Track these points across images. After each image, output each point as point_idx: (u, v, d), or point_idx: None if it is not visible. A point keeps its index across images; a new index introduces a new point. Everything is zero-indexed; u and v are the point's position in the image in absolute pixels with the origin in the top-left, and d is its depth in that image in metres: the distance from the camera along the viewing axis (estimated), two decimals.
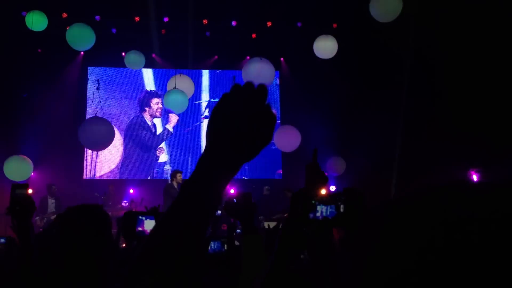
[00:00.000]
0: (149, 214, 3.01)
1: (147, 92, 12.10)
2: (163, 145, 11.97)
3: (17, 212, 2.18)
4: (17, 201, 2.21)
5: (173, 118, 11.92)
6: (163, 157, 11.93)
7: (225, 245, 3.20)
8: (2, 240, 3.77)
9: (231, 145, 0.78)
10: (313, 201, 1.74)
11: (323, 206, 1.72)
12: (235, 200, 2.33)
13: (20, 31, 9.88)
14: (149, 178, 11.78)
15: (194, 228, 0.77)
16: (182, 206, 0.78)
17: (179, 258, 0.75)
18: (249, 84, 0.80)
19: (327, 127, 11.29)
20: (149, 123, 11.95)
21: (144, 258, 0.75)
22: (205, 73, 12.41)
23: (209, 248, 3.16)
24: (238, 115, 0.79)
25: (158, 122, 12.05)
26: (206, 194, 0.77)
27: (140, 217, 2.97)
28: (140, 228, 2.94)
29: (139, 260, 0.75)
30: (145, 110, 11.99)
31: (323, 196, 1.84)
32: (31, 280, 2.02)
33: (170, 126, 11.97)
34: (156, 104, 12.00)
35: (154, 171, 11.86)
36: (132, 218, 3.03)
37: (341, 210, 1.71)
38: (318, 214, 1.72)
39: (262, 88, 0.81)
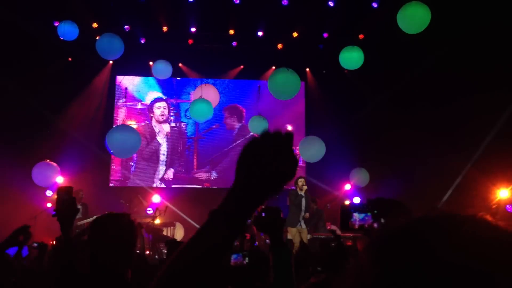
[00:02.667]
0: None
1: (155, 99, 12.16)
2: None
3: (61, 214, 2.26)
4: (62, 203, 2.28)
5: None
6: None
7: (246, 258, 3.22)
8: (35, 245, 3.86)
9: (258, 182, 0.88)
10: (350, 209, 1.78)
11: (358, 214, 1.76)
12: (263, 214, 2.33)
13: (52, 40, 10.16)
14: (154, 185, 11.74)
15: (217, 252, 0.88)
16: (209, 233, 0.89)
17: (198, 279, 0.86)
18: (278, 131, 0.90)
19: (352, 138, 11.21)
20: (156, 130, 11.99)
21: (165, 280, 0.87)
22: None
23: (231, 260, 3.17)
24: (266, 157, 0.88)
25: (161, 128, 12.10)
26: (234, 222, 0.88)
27: None
28: None
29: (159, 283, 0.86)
30: (151, 117, 12.07)
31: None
32: (69, 279, 2.09)
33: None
34: (158, 108, 12.05)
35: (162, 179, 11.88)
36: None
37: (382, 221, 1.73)
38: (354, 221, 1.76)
39: (289, 135, 0.90)
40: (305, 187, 8.86)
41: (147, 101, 12.11)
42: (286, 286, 2.06)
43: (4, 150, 10.01)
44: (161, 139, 11.96)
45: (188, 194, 11.50)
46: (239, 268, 3.19)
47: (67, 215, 2.28)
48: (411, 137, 10.44)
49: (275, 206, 2.36)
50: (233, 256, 3.21)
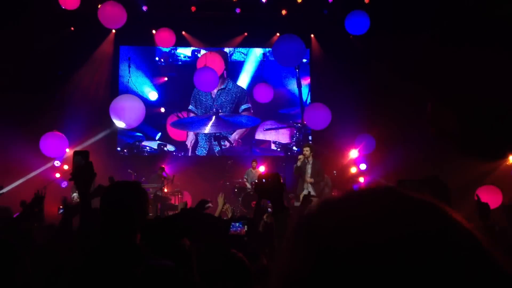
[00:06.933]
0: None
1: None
2: None
3: (78, 178, 2.23)
4: (78, 167, 2.25)
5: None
6: None
7: (246, 226, 3.25)
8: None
9: None
10: None
11: None
12: (264, 180, 2.37)
13: (53, 9, 10.05)
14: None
15: None
16: None
17: None
18: None
19: (358, 104, 11.14)
20: None
21: None
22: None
23: (231, 229, 3.20)
24: None
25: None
26: None
27: None
28: None
29: None
30: None
31: None
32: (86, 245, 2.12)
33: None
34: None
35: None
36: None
37: None
38: None
39: None
40: (304, 155, 8.81)
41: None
42: None
43: (10, 122, 10.03)
44: None
45: (192, 162, 11.58)
46: (238, 237, 3.23)
47: (84, 179, 2.25)
48: (416, 103, 10.37)
49: (274, 172, 2.39)
50: (233, 225, 3.24)
